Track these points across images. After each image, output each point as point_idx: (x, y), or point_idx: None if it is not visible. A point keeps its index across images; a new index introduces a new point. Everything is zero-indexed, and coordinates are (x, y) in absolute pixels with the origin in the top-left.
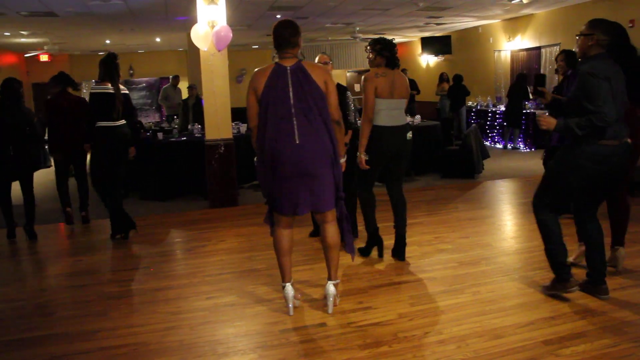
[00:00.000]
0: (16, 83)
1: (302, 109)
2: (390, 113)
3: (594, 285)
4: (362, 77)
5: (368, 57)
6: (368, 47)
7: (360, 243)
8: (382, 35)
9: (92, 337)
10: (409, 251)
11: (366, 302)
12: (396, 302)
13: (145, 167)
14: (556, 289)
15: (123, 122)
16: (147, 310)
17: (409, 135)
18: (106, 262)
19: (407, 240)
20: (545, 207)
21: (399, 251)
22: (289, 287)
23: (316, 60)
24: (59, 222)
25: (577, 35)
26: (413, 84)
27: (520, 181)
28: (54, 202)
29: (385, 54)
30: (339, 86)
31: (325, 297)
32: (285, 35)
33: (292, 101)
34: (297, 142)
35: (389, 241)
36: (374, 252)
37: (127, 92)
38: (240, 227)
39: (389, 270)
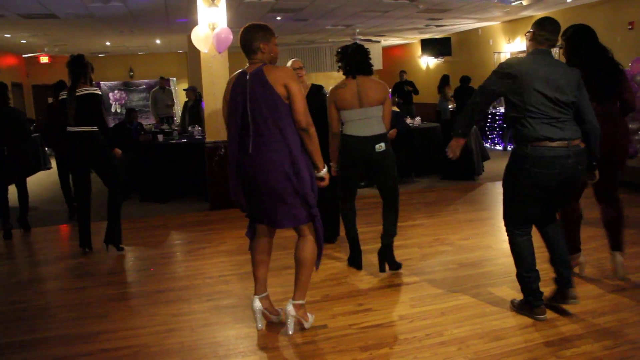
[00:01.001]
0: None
1: (257, 117)
2: (359, 123)
3: (561, 292)
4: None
5: None
6: None
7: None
8: (356, 43)
9: (93, 339)
10: (409, 253)
11: (367, 304)
12: (397, 304)
13: (146, 169)
14: (523, 311)
15: (86, 128)
16: (148, 312)
17: (379, 147)
18: (106, 264)
19: (408, 242)
20: (510, 223)
21: (386, 258)
22: (256, 301)
23: (288, 64)
24: (59, 224)
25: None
26: (412, 85)
27: None
28: (54, 204)
29: (341, 63)
30: (314, 86)
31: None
32: (246, 41)
33: (248, 109)
34: (250, 151)
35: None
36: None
37: (91, 92)
38: (241, 229)
39: (389, 272)
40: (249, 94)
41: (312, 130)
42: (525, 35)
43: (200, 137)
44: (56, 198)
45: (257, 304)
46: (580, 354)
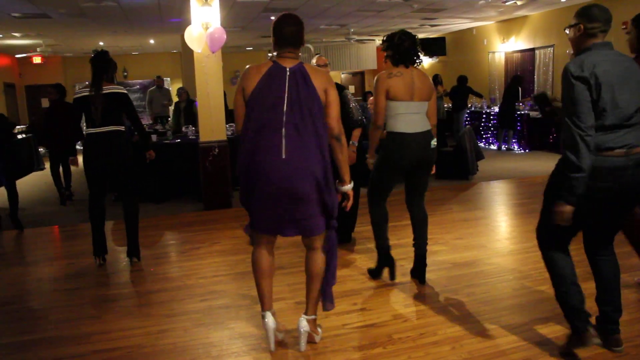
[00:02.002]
0: None
1: (294, 118)
2: (410, 117)
3: (604, 334)
4: (375, 77)
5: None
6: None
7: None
8: (402, 29)
9: (86, 340)
10: (403, 252)
11: (360, 304)
12: (390, 304)
13: (139, 170)
14: (573, 346)
15: (113, 127)
16: (141, 313)
17: (434, 142)
18: (99, 265)
19: (400, 241)
20: (548, 241)
21: (418, 272)
22: (269, 317)
23: (313, 62)
24: (51, 226)
25: (564, 28)
26: None
27: (515, 182)
28: (47, 205)
29: (391, 51)
30: (336, 85)
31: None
32: (291, 32)
33: (285, 108)
34: (284, 157)
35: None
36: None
37: (119, 91)
38: (235, 229)
39: (383, 272)
40: (288, 91)
41: (344, 139)
42: (568, 30)
43: (194, 137)
44: (49, 199)
45: (271, 322)
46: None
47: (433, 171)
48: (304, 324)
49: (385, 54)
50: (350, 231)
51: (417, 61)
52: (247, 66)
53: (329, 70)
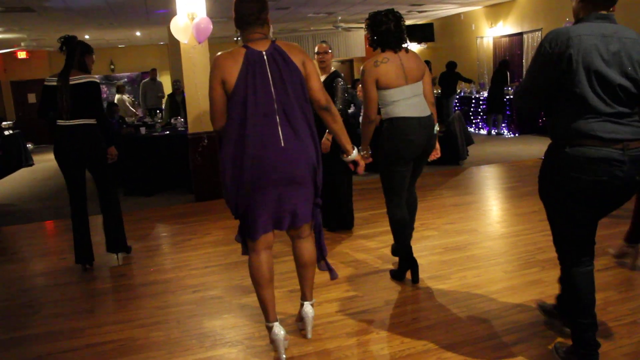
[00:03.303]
0: None
1: (283, 105)
2: (408, 102)
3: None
4: (361, 68)
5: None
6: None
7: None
8: (388, 8)
9: (79, 334)
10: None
11: (353, 290)
12: (383, 290)
13: (129, 163)
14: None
15: (83, 120)
16: (134, 306)
17: (437, 128)
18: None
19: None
20: (565, 253)
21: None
22: (277, 328)
23: (315, 50)
24: (41, 221)
25: None
26: None
27: (505, 166)
28: (38, 201)
29: (375, 31)
30: (334, 73)
31: (301, 320)
32: (253, 11)
33: (273, 95)
34: (282, 145)
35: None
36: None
37: (87, 80)
38: (226, 219)
39: (375, 258)
40: (271, 75)
41: (333, 107)
42: None
43: (183, 128)
44: (38, 195)
45: (281, 332)
46: (566, 333)
47: (434, 157)
48: (309, 310)
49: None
50: (350, 218)
51: (402, 45)
52: (218, 54)
53: (328, 58)
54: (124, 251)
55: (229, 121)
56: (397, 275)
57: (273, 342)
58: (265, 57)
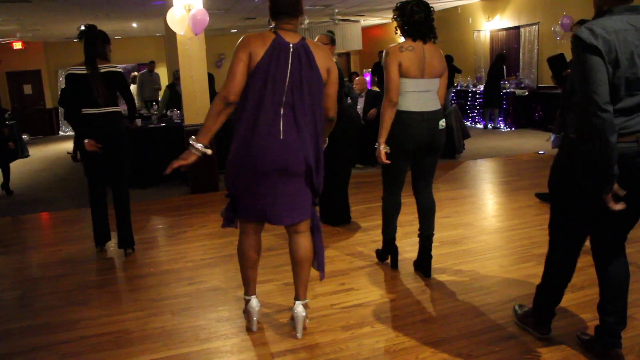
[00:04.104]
0: None
1: (293, 99)
2: (420, 96)
3: (603, 348)
4: (384, 51)
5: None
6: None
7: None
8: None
9: (74, 326)
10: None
11: (348, 284)
12: (378, 283)
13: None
14: (525, 323)
15: (113, 108)
16: (129, 298)
17: (442, 123)
18: (86, 251)
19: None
20: (561, 239)
21: (423, 265)
22: (254, 301)
23: (316, 39)
24: (34, 213)
25: None
26: None
27: (501, 160)
28: (32, 193)
29: (400, 22)
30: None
31: (292, 319)
32: (292, 1)
33: (285, 87)
34: (281, 137)
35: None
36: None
37: (115, 70)
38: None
39: (370, 252)
40: (290, 70)
41: (335, 119)
42: None
43: (179, 120)
44: (32, 186)
45: (256, 304)
46: (560, 327)
47: None
48: (300, 310)
49: (395, 24)
50: (347, 212)
51: (430, 36)
52: (248, 33)
53: (332, 49)
54: (132, 246)
55: (247, 101)
56: (380, 255)
57: (247, 312)
58: (291, 49)
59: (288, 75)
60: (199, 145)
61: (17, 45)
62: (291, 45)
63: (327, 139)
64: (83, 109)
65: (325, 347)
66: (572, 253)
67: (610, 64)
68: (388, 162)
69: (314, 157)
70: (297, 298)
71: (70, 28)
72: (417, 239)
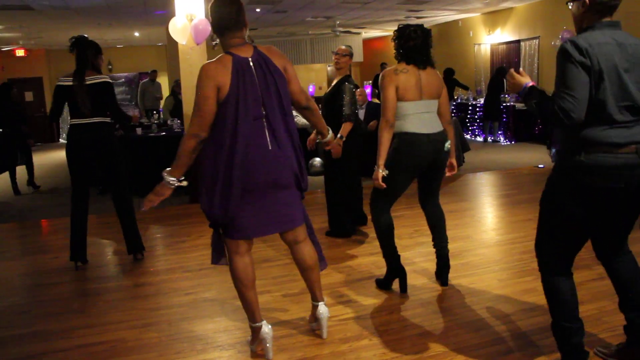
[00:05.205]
0: None
1: (269, 109)
2: (422, 117)
3: (631, 348)
4: (380, 74)
5: None
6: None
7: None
8: (419, 24)
9: (70, 334)
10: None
11: (347, 296)
12: (376, 296)
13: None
14: None
15: (100, 119)
16: (125, 307)
17: (448, 145)
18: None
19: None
20: (550, 262)
21: (442, 274)
22: (266, 327)
23: (342, 48)
24: (33, 220)
25: (567, 1)
26: None
27: (501, 174)
28: (30, 200)
29: (402, 46)
30: (345, 77)
31: (316, 320)
32: (231, 15)
33: (261, 99)
34: (270, 148)
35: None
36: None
37: (100, 81)
38: None
39: (369, 264)
40: (259, 82)
41: (313, 104)
42: (571, 4)
43: (179, 130)
44: (31, 193)
45: (269, 329)
46: None
47: (450, 173)
48: (324, 310)
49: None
50: (363, 213)
51: (426, 62)
52: (206, 63)
53: (349, 60)
54: (141, 251)
55: (219, 128)
56: (383, 284)
57: (263, 340)
58: (251, 63)
59: (259, 90)
60: (172, 180)
61: (20, 53)
62: (250, 59)
63: (329, 128)
64: (71, 119)
65: (323, 359)
66: (569, 272)
67: (594, 77)
68: (384, 185)
69: (297, 165)
70: (315, 300)
71: (72, 36)
72: (410, 253)
